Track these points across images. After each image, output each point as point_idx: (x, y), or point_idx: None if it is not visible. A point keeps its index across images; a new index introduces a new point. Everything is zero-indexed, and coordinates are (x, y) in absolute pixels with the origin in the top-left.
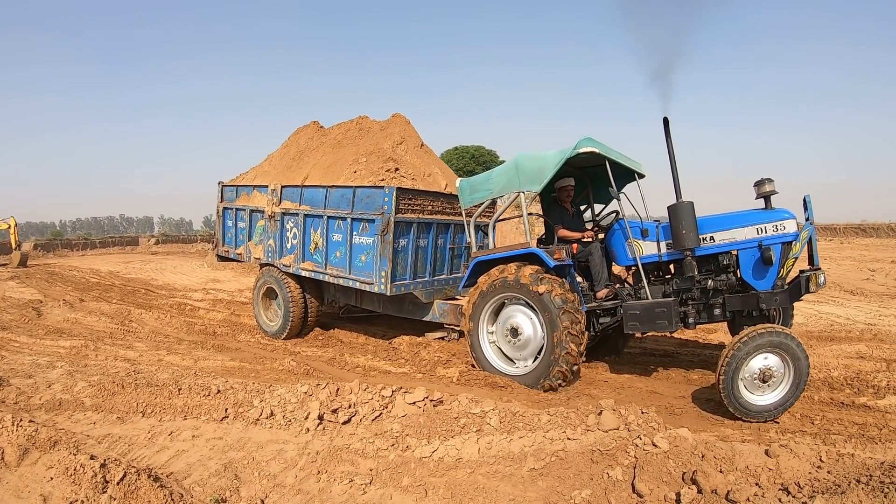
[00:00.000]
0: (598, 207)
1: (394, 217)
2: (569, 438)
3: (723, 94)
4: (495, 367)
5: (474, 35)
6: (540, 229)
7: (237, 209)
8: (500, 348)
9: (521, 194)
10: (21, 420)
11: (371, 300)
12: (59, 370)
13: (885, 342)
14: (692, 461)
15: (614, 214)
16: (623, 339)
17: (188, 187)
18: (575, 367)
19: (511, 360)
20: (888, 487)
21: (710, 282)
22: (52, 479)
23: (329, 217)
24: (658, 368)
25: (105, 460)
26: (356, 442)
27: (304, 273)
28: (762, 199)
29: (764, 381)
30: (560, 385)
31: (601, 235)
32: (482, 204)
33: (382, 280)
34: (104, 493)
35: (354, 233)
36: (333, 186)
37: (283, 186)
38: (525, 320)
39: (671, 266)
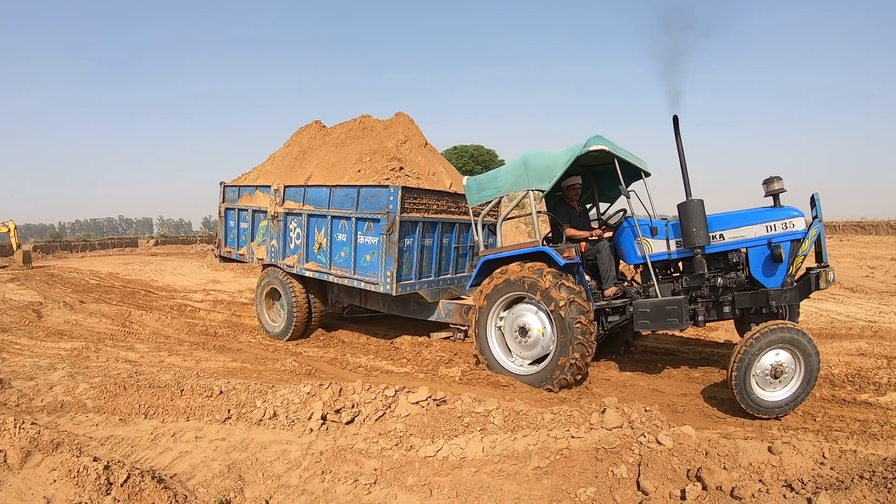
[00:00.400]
0: (602, 206)
1: (399, 216)
2: (573, 437)
3: (722, 94)
4: (503, 367)
5: (472, 34)
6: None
7: (239, 209)
8: (507, 347)
9: (530, 192)
10: (23, 422)
11: (376, 300)
12: (61, 372)
13: (886, 339)
14: (696, 458)
15: (622, 213)
16: (630, 338)
17: (187, 189)
18: (584, 370)
19: (521, 359)
20: (891, 483)
21: (719, 279)
22: (55, 481)
23: (333, 217)
24: (659, 366)
25: (108, 462)
26: (360, 442)
27: (307, 273)
28: (770, 197)
29: (775, 378)
30: (569, 385)
31: (609, 234)
32: (489, 202)
33: (388, 280)
34: (108, 494)
35: (359, 232)
36: (337, 186)
37: (286, 186)
38: (535, 319)
39: (679, 264)
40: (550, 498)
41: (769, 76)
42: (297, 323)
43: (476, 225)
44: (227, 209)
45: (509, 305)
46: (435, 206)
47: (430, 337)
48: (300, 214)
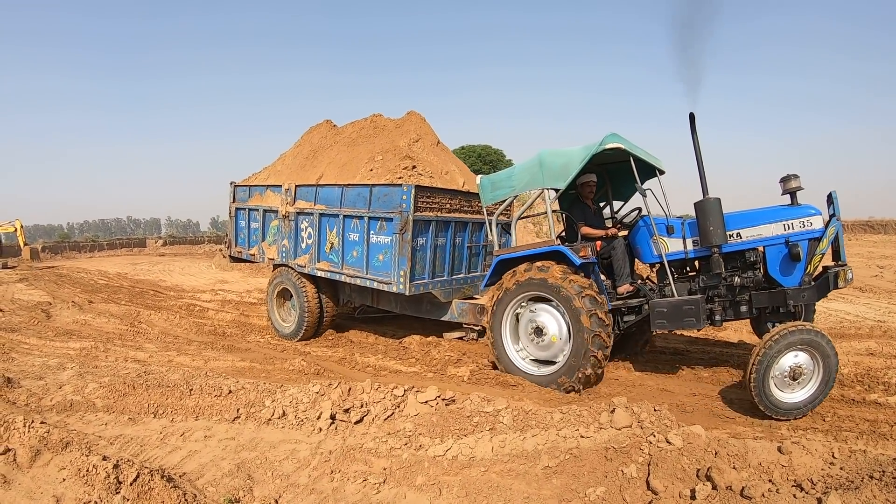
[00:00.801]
0: (615, 205)
1: (412, 215)
2: (582, 436)
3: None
4: (518, 367)
5: (481, 34)
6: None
7: (250, 209)
8: (525, 348)
9: (546, 191)
10: (33, 421)
11: (388, 300)
12: (70, 371)
13: (895, 339)
14: (706, 458)
15: (637, 211)
16: (648, 336)
17: (195, 189)
18: (599, 371)
19: (536, 360)
20: None
21: (736, 278)
22: (64, 480)
23: (345, 216)
24: (668, 366)
25: (118, 461)
26: (369, 441)
27: (319, 273)
28: (788, 195)
29: (794, 379)
30: (583, 387)
31: (624, 232)
32: (504, 201)
33: (401, 280)
34: (117, 493)
35: (371, 232)
36: (349, 185)
37: (297, 186)
38: (550, 320)
39: (696, 263)
40: (560, 497)
41: (791, 83)
42: (308, 323)
43: (490, 224)
44: (237, 209)
45: (531, 301)
46: (448, 205)
47: (442, 337)
48: (312, 214)
